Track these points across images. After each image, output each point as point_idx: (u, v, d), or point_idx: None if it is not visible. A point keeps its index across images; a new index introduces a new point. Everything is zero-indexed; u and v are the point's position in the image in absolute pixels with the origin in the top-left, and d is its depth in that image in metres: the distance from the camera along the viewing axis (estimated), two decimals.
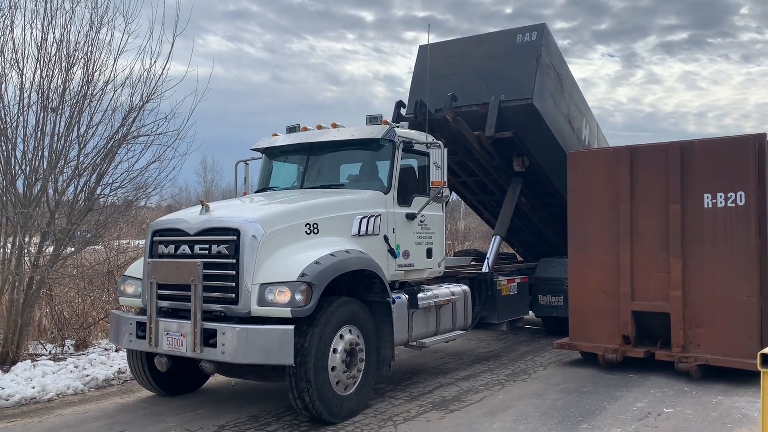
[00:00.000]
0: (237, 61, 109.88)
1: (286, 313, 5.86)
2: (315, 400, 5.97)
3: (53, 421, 6.52)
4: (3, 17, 8.47)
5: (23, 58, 8.64)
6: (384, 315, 6.92)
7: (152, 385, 7.23)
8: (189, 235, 6.38)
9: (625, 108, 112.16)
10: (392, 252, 7.34)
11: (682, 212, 8.14)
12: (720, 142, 8.31)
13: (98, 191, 9.28)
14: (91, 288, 10.40)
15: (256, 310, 5.98)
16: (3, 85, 8.54)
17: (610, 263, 8.66)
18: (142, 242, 13.45)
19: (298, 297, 5.85)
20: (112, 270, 10.45)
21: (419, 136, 7.90)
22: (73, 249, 9.62)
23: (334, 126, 7.97)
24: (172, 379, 7.23)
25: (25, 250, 8.65)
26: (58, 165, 8.82)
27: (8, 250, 8.60)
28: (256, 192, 8.41)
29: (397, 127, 7.74)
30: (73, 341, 9.55)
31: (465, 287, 8.72)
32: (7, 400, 7.06)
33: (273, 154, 8.46)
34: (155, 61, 9.23)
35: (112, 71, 9.08)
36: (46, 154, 8.74)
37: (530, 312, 10.99)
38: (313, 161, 8.02)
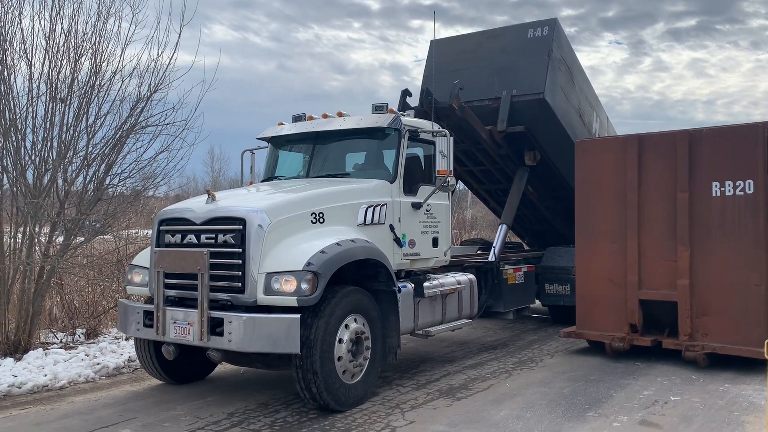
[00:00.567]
0: (243, 50, 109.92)
1: (293, 302, 5.89)
2: (322, 391, 6.02)
3: (65, 408, 6.61)
4: (12, 8, 8.51)
5: (32, 49, 8.69)
6: (390, 304, 6.93)
7: (160, 373, 7.30)
8: (195, 224, 6.42)
9: (633, 96, 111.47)
10: (398, 241, 7.35)
11: (690, 200, 8.11)
12: (728, 129, 8.27)
13: (107, 181, 9.34)
14: (100, 277, 10.49)
15: (263, 299, 6.02)
16: (12, 76, 8.59)
17: (617, 252, 8.65)
18: (150, 232, 13.57)
19: (304, 286, 5.87)
20: (122, 259, 10.53)
21: (425, 125, 7.89)
22: (82, 239, 9.69)
23: (340, 115, 7.95)
24: (180, 367, 7.29)
25: (36, 240, 8.73)
26: (67, 155, 8.87)
27: (19, 240, 8.67)
28: (262, 181, 8.43)
29: (403, 115, 7.73)
30: (84, 330, 9.64)
31: (471, 276, 8.72)
32: (20, 387, 7.15)
33: (279, 143, 8.46)
34: (162, 52, 9.26)
35: (119, 61, 9.13)
36: (55, 144, 8.79)
37: (537, 301, 11.00)
38: (318, 150, 8.02)
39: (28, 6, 8.69)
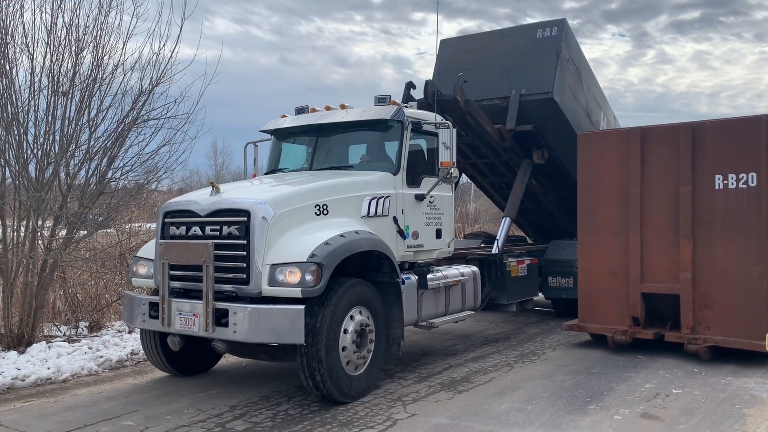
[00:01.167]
0: (245, 43, 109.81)
1: (297, 293, 5.92)
2: (326, 380, 6.04)
3: (69, 401, 6.63)
4: (13, 1, 8.50)
5: (33, 42, 8.68)
6: (394, 295, 6.96)
7: (165, 364, 7.33)
8: (200, 216, 6.45)
9: (637, 88, 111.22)
10: (401, 233, 7.37)
11: (693, 194, 8.09)
12: (731, 122, 8.24)
13: (109, 175, 9.33)
14: (103, 271, 10.51)
15: (267, 290, 6.05)
16: (14, 70, 8.58)
17: (619, 245, 8.64)
18: (153, 225, 13.58)
19: (308, 277, 5.91)
20: (124, 253, 10.56)
21: (428, 117, 7.89)
22: (85, 232, 9.70)
23: (343, 107, 7.97)
24: (185, 359, 7.33)
25: (39, 234, 8.74)
26: (70, 149, 8.87)
27: (22, 234, 8.69)
28: (265, 174, 8.45)
29: (406, 107, 7.74)
30: (87, 323, 9.66)
31: (474, 268, 8.74)
32: (23, 380, 7.17)
33: (282, 135, 8.47)
34: (164, 45, 9.23)
35: (121, 55, 9.11)
36: (57, 138, 8.78)
37: (540, 294, 11.03)
38: (321, 142, 8.03)
39: None
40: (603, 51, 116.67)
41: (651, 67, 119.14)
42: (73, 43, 8.82)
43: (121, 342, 8.74)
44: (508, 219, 10.56)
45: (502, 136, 10.37)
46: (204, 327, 6.08)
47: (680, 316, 8.19)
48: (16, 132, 8.60)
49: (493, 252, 9.71)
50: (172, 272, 6.45)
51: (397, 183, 7.44)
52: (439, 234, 7.98)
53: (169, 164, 9.67)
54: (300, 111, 8.36)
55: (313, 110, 8.27)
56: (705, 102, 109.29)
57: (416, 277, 7.45)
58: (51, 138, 8.75)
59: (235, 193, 6.73)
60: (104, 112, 9.12)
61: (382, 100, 7.67)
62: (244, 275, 6.13)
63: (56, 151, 8.77)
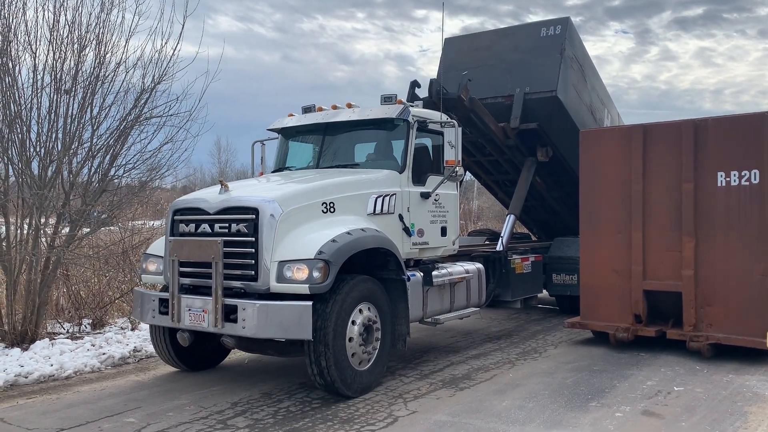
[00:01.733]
0: (247, 41, 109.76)
1: (304, 289, 5.99)
2: (331, 365, 6.10)
3: (71, 397, 6.65)
4: None
5: (36, 41, 8.70)
6: (399, 292, 7.02)
7: (174, 360, 7.40)
8: (209, 214, 6.52)
9: (640, 86, 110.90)
10: (407, 230, 7.44)
11: (695, 191, 8.08)
12: (734, 119, 8.22)
13: (112, 172, 9.35)
14: (106, 268, 10.53)
15: (275, 286, 6.12)
16: (17, 68, 8.60)
17: (621, 242, 8.64)
18: (156, 223, 13.63)
19: (316, 274, 5.98)
20: (127, 250, 10.59)
21: (433, 116, 7.95)
22: (88, 230, 9.73)
23: (349, 106, 8.04)
24: (194, 354, 7.43)
25: (42, 231, 8.77)
26: (72, 147, 8.88)
27: (25, 231, 8.72)
28: (272, 172, 8.52)
29: (412, 106, 7.80)
30: (90, 320, 9.69)
31: (479, 265, 8.79)
32: (26, 377, 7.20)
33: (289, 134, 8.54)
34: (166, 42, 9.25)
35: (123, 53, 9.12)
36: (60, 135, 8.80)
37: (544, 291, 11.06)
38: (328, 141, 8.10)
39: None
40: (606, 48, 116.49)
41: (654, 64, 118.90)
42: (76, 40, 8.84)
43: (124, 339, 8.77)
44: (512, 216, 10.59)
45: (506, 134, 10.42)
46: (213, 323, 6.17)
47: (682, 314, 8.19)
48: (19, 130, 8.62)
49: (497, 249, 9.76)
50: (182, 269, 6.53)
51: (403, 181, 7.50)
52: (444, 232, 8.04)
53: (171, 162, 9.72)
54: (307, 110, 8.44)
55: (320, 109, 8.34)
56: (709, 99, 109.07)
57: (422, 274, 7.51)
58: (54, 136, 8.77)
59: (244, 191, 6.80)
60: (107, 110, 9.15)
61: (388, 99, 7.74)
62: (253, 272, 6.20)
63: (59, 148, 8.79)
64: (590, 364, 7.81)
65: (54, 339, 8.51)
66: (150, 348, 8.38)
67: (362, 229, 6.66)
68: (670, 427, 5.61)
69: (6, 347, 8.15)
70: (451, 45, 11.55)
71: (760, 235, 7.73)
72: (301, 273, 6.03)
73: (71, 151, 8.90)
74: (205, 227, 6.53)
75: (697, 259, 8.08)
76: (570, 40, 10.71)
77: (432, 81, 9.04)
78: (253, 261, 6.19)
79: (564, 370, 7.57)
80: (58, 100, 8.74)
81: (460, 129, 7.64)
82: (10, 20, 8.48)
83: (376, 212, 7.12)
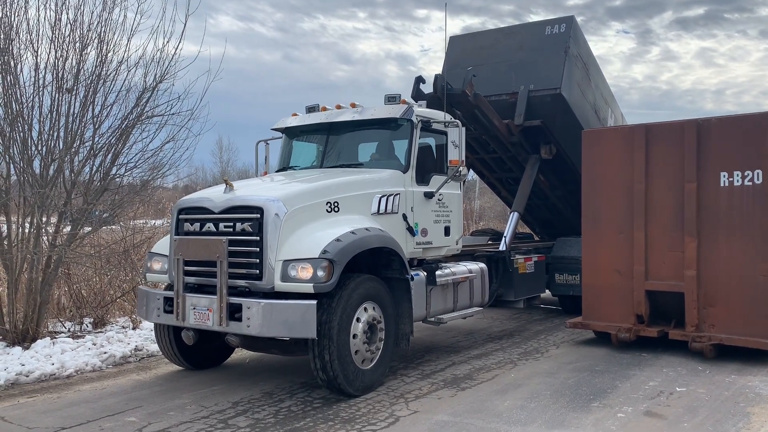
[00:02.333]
0: (248, 40, 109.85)
1: (309, 288, 6.01)
2: (334, 359, 6.11)
3: (72, 396, 6.65)
4: None
5: (38, 39, 8.68)
6: (403, 291, 7.04)
7: (179, 358, 7.42)
8: (214, 213, 6.53)
9: (641, 86, 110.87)
10: (411, 230, 7.46)
11: (698, 190, 8.07)
12: (737, 119, 8.20)
13: (113, 171, 9.33)
14: (108, 267, 10.52)
15: (280, 285, 6.14)
16: (18, 66, 8.58)
17: (624, 242, 8.62)
18: (158, 222, 13.63)
19: (320, 273, 6.01)
20: (129, 249, 10.57)
21: (437, 115, 7.96)
22: (89, 229, 9.72)
23: (353, 106, 8.05)
24: (198, 352, 7.45)
25: (43, 230, 8.76)
26: (74, 145, 8.86)
27: (26, 230, 8.71)
28: (276, 171, 8.53)
29: (416, 106, 7.81)
30: (91, 319, 9.68)
31: (482, 265, 8.81)
32: (27, 376, 7.19)
33: (293, 133, 8.56)
34: (168, 41, 9.22)
35: (125, 51, 9.08)
36: (61, 134, 8.77)
37: (547, 291, 11.07)
38: (332, 141, 8.12)
39: None
40: (607, 48, 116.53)
41: (655, 64, 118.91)
42: (77, 39, 8.81)
43: (125, 338, 8.76)
44: (516, 214, 10.60)
45: (510, 131, 10.45)
46: (218, 321, 6.18)
47: (685, 314, 8.18)
48: (20, 129, 8.59)
49: (500, 249, 9.78)
50: (187, 268, 6.55)
51: (407, 181, 7.52)
52: (447, 231, 8.06)
53: (173, 161, 9.69)
54: (311, 109, 8.46)
55: (324, 109, 8.35)
56: (710, 99, 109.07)
57: (425, 273, 7.53)
58: (55, 134, 8.75)
59: (249, 191, 6.82)
60: (108, 109, 9.12)
61: (392, 99, 7.76)
62: (257, 271, 6.22)
63: (60, 147, 8.77)
64: (592, 365, 7.79)
65: (55, 338, 8.50)
66: (151, 347, 8.39)
67: (366, 229, 6.68)
68: (673, 427, 5.60)
69: (7, 346, 8.14)
70: (455, 43, 11.60)
71: (763, 236, 7.72)
72: (306, 272, 6.05)
73: (73, 149, 8.88)
74: (210, 226, 6.55)
75: (700, 260, 8.06)
76: (574, 38, 10.76)
77: (437, 76, 9.06)
78: (258, 260, 6.21)
79: (566, 370, 7.55)
80: (60, 98, 8.72)
81: (464, 129, 7.65)
82: (12, 18, 8.46)
83: (380, 212, 7.14)
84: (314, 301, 6.01)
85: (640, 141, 8.52)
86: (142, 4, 9.09)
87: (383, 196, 7.19)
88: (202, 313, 6.33)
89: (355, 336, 6.37)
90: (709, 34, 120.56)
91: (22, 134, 8.61)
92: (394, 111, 7.60)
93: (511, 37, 11.24)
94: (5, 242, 8.59)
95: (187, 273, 6.56)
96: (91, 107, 8.95)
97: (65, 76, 8.75)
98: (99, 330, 9.38)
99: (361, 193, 7.04)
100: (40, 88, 8.67)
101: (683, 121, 8.38)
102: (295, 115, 8.49)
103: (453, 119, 7.91)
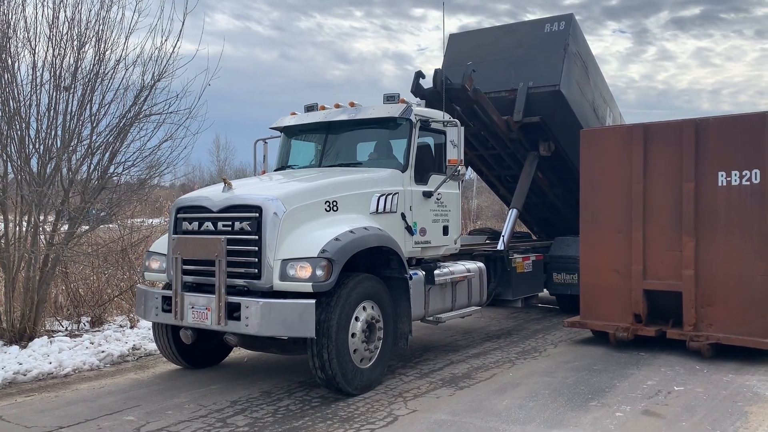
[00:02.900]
0: (245, 39, 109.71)
1: (308, 287, 6.01)
2: (333, 358, 6.11)
3: (70, 395, 6.63)
4: None
5: (35, 37, 8.65)
6: (401, 291, 7.05)
7: (177, 358, 7.41)
8: (212, 212, 6.52)
9: (638, 85, 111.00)
10: (409, 229, 7.46)
11: (696, 190, 8.08)
12: (735, 119, 8.21)
13: (111, 170, 9.30)
14: (105, 266, 10.50)
15: (278, 284, 6.14)
16: (16, 65, 8.55)
17: (622, 241, 8.63)
18: (155, 221, 13.60)
19: (319, 272, 6.00)
20: (126, 248, 10.56)
21: (436, 115, 7.96)
22: (87, 227, 9.70)
23: (352, 105, 8.05)
24: (197, 352, 7.44)
25: (40, 229, 8.73)
26: (71, 144, 8.84)
27: (23, 229, 8.68)
28: (275, 170, 8.52)
29: (414, 105, 7.81)
30: (89, 318, 9.65)
31: (480, 264, 8.82)
32: (25, 375, 7.18)
33: (291, 132, 8.55)
34: (166, 40, 9.21)
35: (123, 50, 9.07)
36: (59, 133, 8.75)
37: (545, 290, 11.09)
38: (331, 140, 8.11)
39: None
40: (604, 48, 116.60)
41: (652, 63, 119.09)
42: (75, 37, 8.79)
43: (123, 337, 8.75)
44: (514, 211, 10.62)
45: (509, 127, 10.47)
46: (216, 321, 6.17)
47: (682, 314, 8.19)
48: (18, 127, 8.57)
49: (498, 248, 9.79)
50: (185, 267, 6.53)
51: (405, 180, 7.52)
52: (446, 231, 8.06)
53: (171, 159, 9.68)
54: (309, 108, 8.45)
55: (323, 108, 8.34)
56: (706, 99, 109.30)
57: (424, 272, 7.54)
58: (53, 133, 8.73)
59: (247, 189, 6.82)
60: (106, 107, 9.09)
61: (390, 98, 7.76)
62: (256, 270, 6.21)
63: (58, 145, 8.75)
64: (590, 364, 7.80)
65: (53, 337, 8.48)
66: (149, 346, 8.38)
67: (365, 228, 6.67)
68: (671, 426, 5.61)
69: (4, 345, 8.12)
70: (455, 41, 11.62)
71: (760, 235, 7.73)
72: (305, 271, 6.04)
73: (70, 148, 8.86)
74: (209, 225, 6.54)
75: (698, 259, 8.07)
76: (574, 36, 10.77)
77: (437, 71, 9.07)
78: (257, 259, 6.20)
79: (564, 369, 7.56)
80: (58, 97, 8.70)
81: (462, 128, 7.64)
82: (10, 16, 8.44)
83: (379, 211, 7.14)
84: (313, 301, 6.00)
85: (639, 140, 8.53)
86: (140, 3, 9.08)
87: (382, 196, 7.19)
88: (200, 312, 6.32)
89: (353, 335, 6.37)
90: (705, 33, 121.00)
91: (19, 132, 8.59)
92: (393, 110, 7.60)
93: (510, 35, 11.25)
94: (2, 241, 8.56)
95: (185, 272, 6.54)
96: (88, 105, 8.93)
97: (63, 74, 8.73)
98: (97, 329, 9.37)
99: (360, 192, 7.04)
100: (38, 87, 8.65)
101: (681, 121, 8.39)
102: (294, 114, 8.48)
103: (452, 118, 7.92)
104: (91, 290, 10.11)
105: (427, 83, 9.53)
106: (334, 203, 6.74)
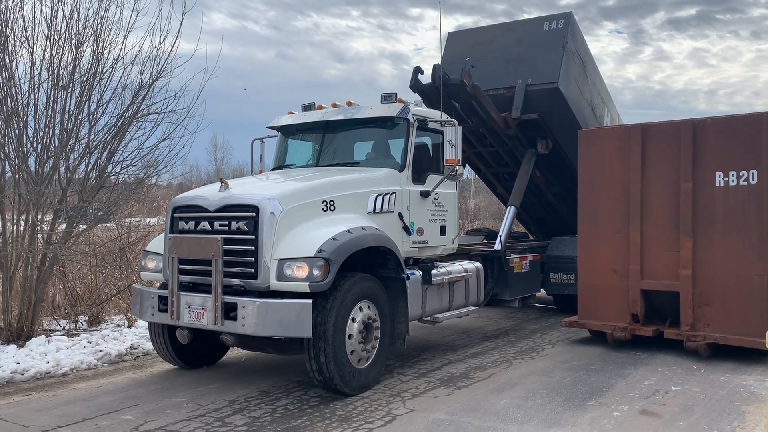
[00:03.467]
0: (242, 38, 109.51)
1: (305, 287, 6.00)
2: (330, 361, 6.10)
3: (68, 395, 6.63)
4: None
5: (33, 36, 8.64)
6: (399, 291, 7.04)
7: (173, 357, 7.39)
8: (209, 211, 6.51)
9: (634, 86, 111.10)
10: (407, 229, 7.46)
11: (694, 190, 8.09)
12: (732, 119, 8.23)
13: (109, 169, 9.30)
14: (103, 265, 10.48)
15: (275, 284, 6.12)
16: (14, 63, 8.54)
17: (620, 241, 8.64)
18: (153, 220, 13.58)
19: (316, 272, 5.98)
20: (124, 247, 10.54)
21: (434, 114, 7.95)
22: (85, 226, 9.68)
23: (349, 104, 8.04)
24: (193, 351, 7.43)
25: (38, 228, 8.72)
26: (69, 143, 8.83)
27: (21, 228, 8.67)
28: (272, 170, 8.51)
29: (412, 105, 7.81)
30: (87, 317, 9.64)
31: (478, 264, 8.82)
32: (22, 374, 7.17)
33: (288, 132, 8.53)
34: (164, 39, 9.20)
35: (121, 49, 9.06)
36: (57, 132, 8.74)
37: (542, 290, 11.09)
38: (328, 139, 8.10)
39: None
40: (600, 48, 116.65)
41: (648, 64, 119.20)
42: (73, 36, 8.78)
43: (121, 336, 8.74)
44: (512, 208, 10.62)
45: (507, 123, 10.47)
46: (213, 320, 6.15)
47: (680, 314, 8.20)
48: (15, 125, 8.56)
49: (495, 248, 9.78)
50: (181, 266, 6.52)
51: (403, 180, 7.51)
52: (443, 230, 8.06)
53: (169, 159, 9.66)
54: (307, 108, 8.43)
55: (320, 107, 8.33)
56: (703, 99, 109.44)
57: (421, 272, 7.53)
58: (51, 132, 8.72)
59: (244, 189, 6.80)
60: (104, 106, 9.09)
61: (388, 98, 7.76)
62: (253, 270, 6.19)
63: (56, 144, 8.74)
64: (588, 364, 7.81)
65: (50, 336, 8.47)
66: (147, 345, 8.37)
67: (362, 228, 6.66)
68: (668, 426, 5.62)
69: (2, 344, 8.11)
70: (454, 39, 11.63)
71: (758, 235, 7.74)
72: (302, 271, 6.02)
73: (68, 147, 8.85)
74: (205, 225, 6.52)
75: (695, 259, 8.09)
76: (572, 34, 10.79)
77: (435, 66, 9.07)
78: (253, 259, 6.18)
79: (562, 369, 7.57)
80: (56, 96, 8.69)
81: (460, 128, 7.64)
82: (8, 15, 8.42)
83: (376, 211, 7.12)
84: (310, 300, 5.98)
85: (636, 141, 8.54)
86: (138, 2, 9.07)
87: (379, 195, 7.18)
88: (196, 312, 6.30)
89: (350, 336, 6.35)
90: (702, 34, 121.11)
91: (17, 131, 8.58)
92: (391, 110, 7.59)
93: (509, 33, 11.27)
94: (0, 240, 8.54)
95: (181, 272, 6.52)
96: (86, 104, 8.92)
97: (61, 73, 8.71)
98: (94, 328, 9.35)
99: (357, 192, 7.03)
100: (36, 85, 8.65)
101: (679, 121, 8.41)
102: (291, 113, 8.47)
103: (449, 118, 7.92)
104: (89, 289, 10.10)
105: (425, 79, 9.54)
106: (331, 203, 6.72)
